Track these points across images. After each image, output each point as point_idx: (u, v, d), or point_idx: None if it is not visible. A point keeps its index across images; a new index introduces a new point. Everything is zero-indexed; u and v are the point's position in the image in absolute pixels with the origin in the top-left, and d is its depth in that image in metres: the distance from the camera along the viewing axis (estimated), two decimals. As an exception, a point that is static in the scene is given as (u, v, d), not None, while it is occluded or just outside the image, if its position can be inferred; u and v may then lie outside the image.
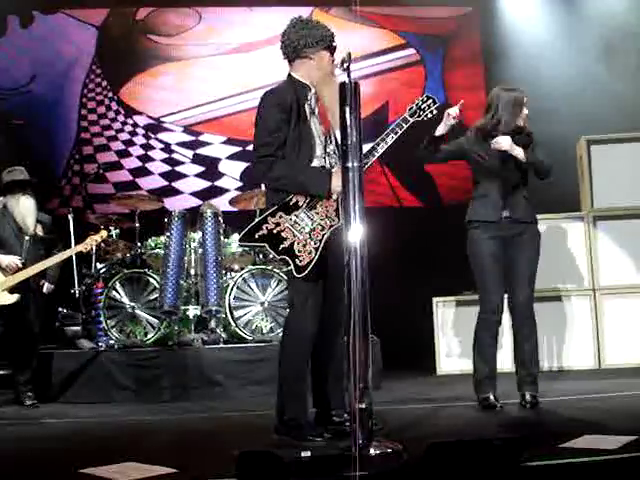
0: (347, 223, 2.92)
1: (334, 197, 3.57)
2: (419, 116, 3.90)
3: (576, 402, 4.55)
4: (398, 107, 8.56)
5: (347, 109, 3.07)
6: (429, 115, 3.92)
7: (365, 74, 8.57)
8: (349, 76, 3.21)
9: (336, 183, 3.50)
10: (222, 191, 8.38)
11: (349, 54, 3.35)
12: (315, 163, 3.67)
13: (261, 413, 4.64)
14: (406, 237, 7.81)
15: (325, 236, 3.55)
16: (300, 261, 3.50)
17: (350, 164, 2.95)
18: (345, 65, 3.31)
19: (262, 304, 6.10)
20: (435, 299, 6.60)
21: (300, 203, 3.58)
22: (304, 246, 3.52)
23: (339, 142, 3.43)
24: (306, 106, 3.70)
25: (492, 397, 4.40)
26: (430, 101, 3.93)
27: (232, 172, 8.47)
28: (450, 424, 4.03)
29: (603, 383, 5.38)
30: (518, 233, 4.48)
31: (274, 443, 3.55)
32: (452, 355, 6.47)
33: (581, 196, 6.79)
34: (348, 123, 3.04)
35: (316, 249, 3.52)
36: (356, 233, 2.89)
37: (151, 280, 6.07)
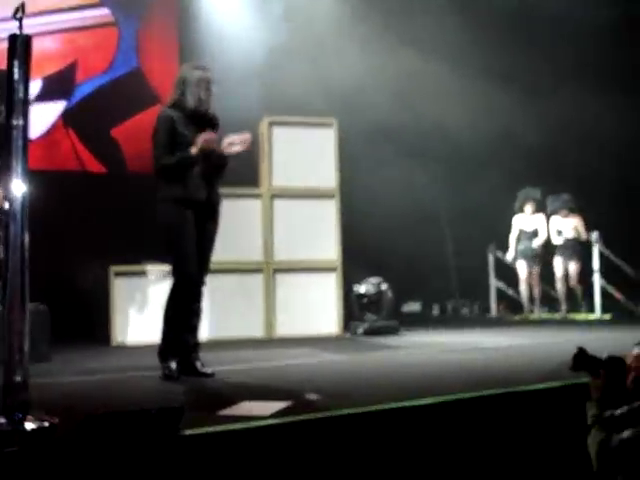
0: (8, 184, 2.73)
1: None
2: None
3: (245, 371, 4.74)
4: (88, 67, 8.23)
5: (16, 63, 2.87)
6: None
7: (53, 29, 8.09)
8: (21, 28, 3.00)
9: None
10: None
11: (23, 4, 3.14)
12: None
13: None
14: (88, 204, 7.51)
15: None
16: None
17: (15, 122, 2.76)
18: (18, 16, 3.09)
19: None
20: (113, 268, 6.44)
21: None
22: None
23: None
24: None
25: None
26: None
27: None
28: (118, 396, 3.97)
29: (272, 352, 5.69)
30: (212, 213, 4.52)
31: None
32: (128, 325, 6.38)
33: (260, 174, 7.04)
34: (16, 78, 2.84)
35: None
36: (17, 195, 2.71)
37: None
